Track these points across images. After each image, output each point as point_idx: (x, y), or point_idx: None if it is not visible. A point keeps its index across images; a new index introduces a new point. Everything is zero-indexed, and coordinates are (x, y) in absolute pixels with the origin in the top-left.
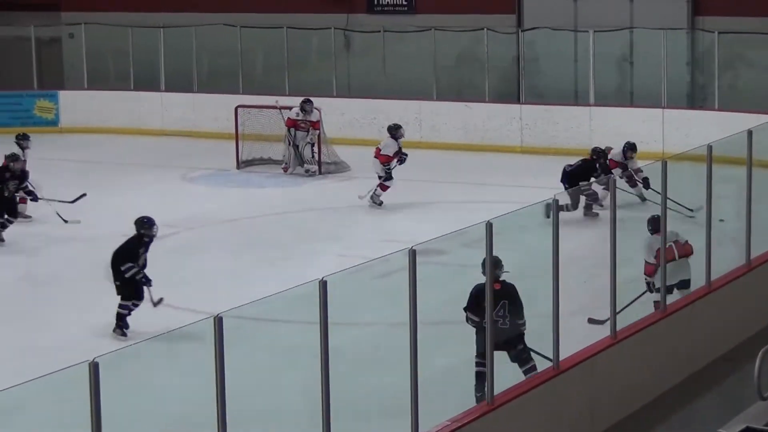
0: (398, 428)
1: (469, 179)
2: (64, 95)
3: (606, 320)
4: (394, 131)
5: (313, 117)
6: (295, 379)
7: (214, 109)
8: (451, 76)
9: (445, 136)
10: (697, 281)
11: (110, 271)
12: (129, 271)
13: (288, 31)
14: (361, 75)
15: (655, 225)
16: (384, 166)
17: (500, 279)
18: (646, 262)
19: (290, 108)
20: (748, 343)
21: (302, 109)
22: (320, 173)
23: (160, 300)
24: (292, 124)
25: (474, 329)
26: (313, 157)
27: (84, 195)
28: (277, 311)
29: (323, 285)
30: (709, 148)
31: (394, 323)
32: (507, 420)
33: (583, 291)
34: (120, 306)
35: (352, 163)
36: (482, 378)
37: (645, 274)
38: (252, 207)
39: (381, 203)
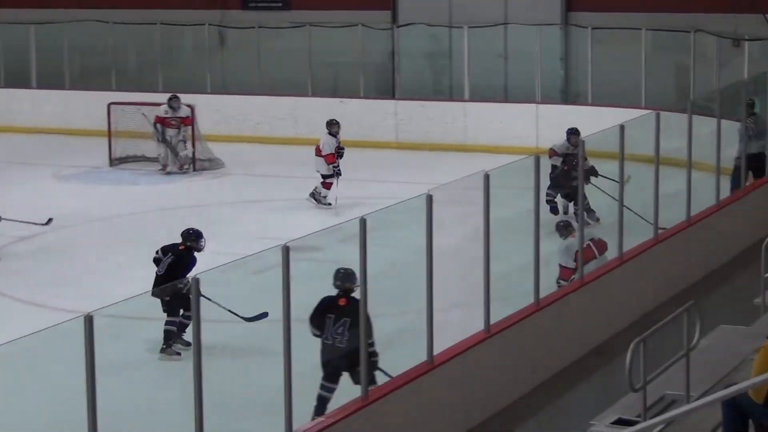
0: (273, 425)
1: (345, 175)
2: None
3: None
4: (329, 127)
5: (182, 113)
6: (169, 376)
7: (87, 106)
8: (326, 73)
9: (320, 132)
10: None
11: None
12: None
13: (161, 27)
14: (236, 71)
15: (565, 230)
16: (330, 165)
17: (351, 294)
18: (561, 266)
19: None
20: (620, 335)
21: (170, 106)
22: (194, 170)
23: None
24: (160, 121)
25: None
26: (187, 154)
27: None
28: (152, 309)
29: (196, 283)
30: (582, 142)
31: (269, 320)
32: (382, 414)
33: (458, 286)
34: (168, 323)
35: (226, 160)
36: (323, 402)
37: (560, 278)
38: (125, 204)
39: (329, 203)
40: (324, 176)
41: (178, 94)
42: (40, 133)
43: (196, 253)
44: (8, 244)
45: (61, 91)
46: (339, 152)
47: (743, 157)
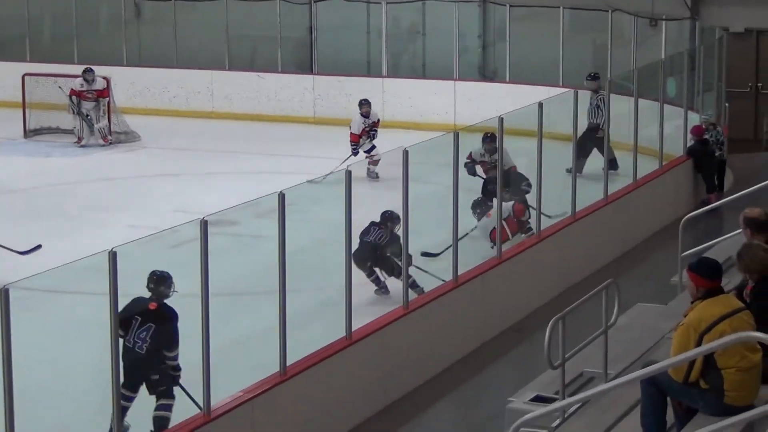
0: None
1: (262, 150)
2: None
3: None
4: (359, 107)
5: (98, 86)
6: (85, 352)
7: (1, 76)
8: (244, 47)
9: (237, 107)
10: (489, 253)
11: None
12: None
13: None
14: (153, 44)
15: (479, 208)
16: (352, 144)
17: (164, 300)
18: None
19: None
20: (538, 313)
21: (84, 78)
22: (110, 143)
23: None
24: (75, 94)
25: None
26: (102, 127)
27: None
28: (67, 282)
29: (113, 256)
30: (501, 120)
31: (186, 294)
32: (299, 390)
33: None
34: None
35: (142, 133)
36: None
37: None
38: (39, 177)
39: (376, 175)
40: (366, 152)
41: (93, 67)
42: None
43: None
44: None
45: None
46: (371, 132)
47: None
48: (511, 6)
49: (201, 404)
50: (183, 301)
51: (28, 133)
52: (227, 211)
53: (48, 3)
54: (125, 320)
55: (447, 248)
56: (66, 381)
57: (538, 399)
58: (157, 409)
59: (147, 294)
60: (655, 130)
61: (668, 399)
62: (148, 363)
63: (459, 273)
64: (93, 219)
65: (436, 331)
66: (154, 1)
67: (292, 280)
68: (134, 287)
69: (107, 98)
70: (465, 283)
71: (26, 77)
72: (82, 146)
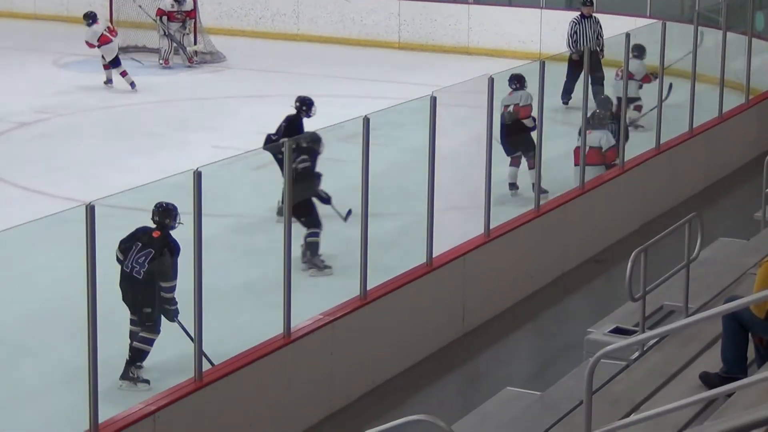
0: (271, 319)
1: (346, 74)
2: None
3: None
4: None
5: (187, 6)
6: None
7: None
8: None
9: (322, 29)
10: (571, 183)
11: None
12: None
13: None
14: None
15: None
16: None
17: (168, 231)
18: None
19: None
20: (620, 245)
21: None
22: (195, 64)
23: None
24: (164, 14)
25: None
26: (195, 49)
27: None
28: (151, 201)
29: (197, 175)
30: (587, 50)
31: (268, 216)
32: (379, 314)
33: (458, 190)
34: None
35: (228, 54)
36: (139, 358)
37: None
38: (126, 95)
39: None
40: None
41: None
42: (40, 19)
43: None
44: (9, 129)
45: None
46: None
47: None
48: None
49: (195, 340)
50: (266, 218)
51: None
52: (311, 135)
53: None
54: (126, 245)
55: None
56: None
57: (618, 331)
58: (137, 340)
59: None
60: (742, 64)
61: (749, 334)
62: (144, 291)
63: (541, 203)
64: (177, 139)
65: (516, 260)
66: None
67: (374, 204)
68: (217, 207)
69: (194, 19)
70: (547, 213)
71: None
72: (168, 67)
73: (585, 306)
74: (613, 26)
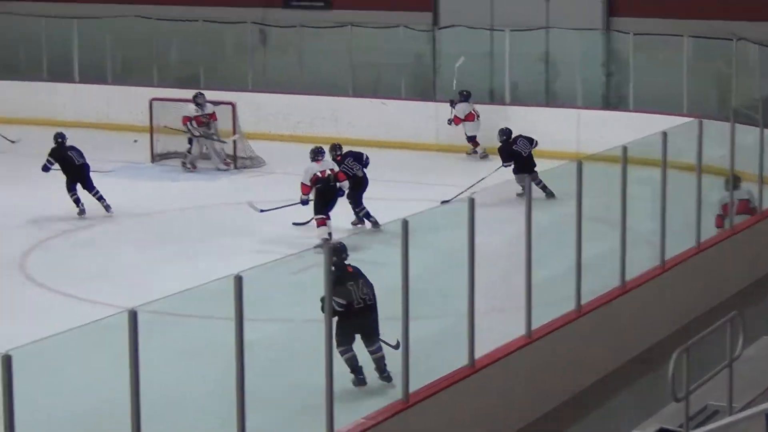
0: (313, 425)
1: (385, 176)
2: None
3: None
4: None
5: (209, 110)
6: (210, 375)
7: (129, 101)
8: (367, 73)
9: (360, 133)
10: (612, 282)
11: None
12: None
13: (203, 24)
14: (277, 70)
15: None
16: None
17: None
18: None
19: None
20: (663, 344)
21: (196, 103)
22: (235, 167)
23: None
24: (189, 120)
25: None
26: (224, 148)
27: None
28: (192, 306)
29: (238, 280)
30: (624, 149)
31: (309, 319)
32: (422, 417)
33: (498, 290)
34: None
35: (267, 158)
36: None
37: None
38: (166, 200)
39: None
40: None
41: (219, 92)
42: (81, 127)
43: None
44: (51, 237)
45: (102, 86)
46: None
47: None
48: (634, 34)
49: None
50: (306, 326)
51: (155, 158)
52: (351, 237)
53: (175, 29)
54: (342, 292)
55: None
56: (190, 404)
57: (662, 431)
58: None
59: None
60: None
61: None
62: (372, 314)
63: (582, 301)
64: (218, 243)
65: (558, 361)
66: (279, 27)
67: (413, 306)
68: (259, 311)
69: (216, 122)
70: (589, 313)
71: (153, 102)
72: (195, 171)
73: (629, 406)
74: (650, 125)
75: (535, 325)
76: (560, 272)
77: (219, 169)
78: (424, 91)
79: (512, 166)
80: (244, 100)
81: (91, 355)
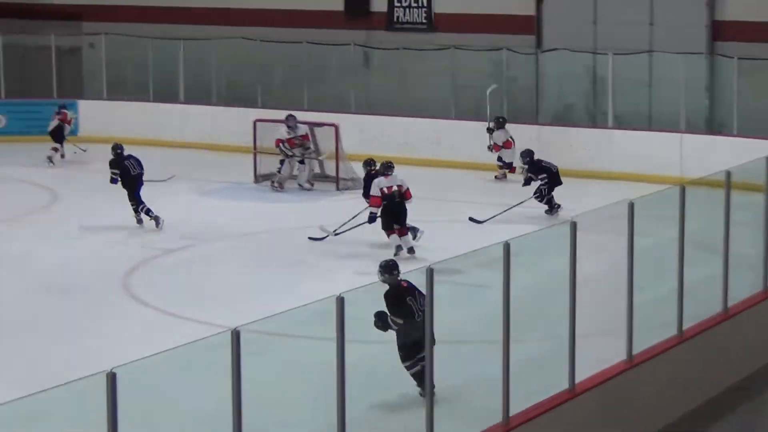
0: None
1: (487, 199)
2: (83, 105)
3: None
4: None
5: (301, 131)
6: (311, 395)
7: (233, 122)
8: (470, 95)
9: (463, 155)
10: (715, 307)
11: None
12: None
13: (307, 46)
14: (380, 92)
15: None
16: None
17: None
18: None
19: None
20: (764, 371)
21: (288, 126)
22: (338, 189)
23: None
24: (281, 142)
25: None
26: (312, 169)
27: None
28: (294, 326)
29: (340, 301)
30: (728, 173)
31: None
32: None
33: (599, 314)
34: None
35: None
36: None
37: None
38: (269, 221)
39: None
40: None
41: (322, 113)
42: (186, 147)
43: None
44: (154, 256)
45: (207, 107)
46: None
47: None
48: (738, 58)
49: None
50: None
51: (259, 178)
52: (452, 260)
53: (279, 51)
54: (403, 309)
55: (493, 216)
56: (291, 423)
57: None
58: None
59: None
60: None
61: None
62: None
63: (684, 327)
64: (319, 264)
65: (659, 386)
66: (383, 49)
67: (513, 329)
68: (360, 333)
69: (310, 142)
70: (691, 338)
71: (257, 123)
72: (282, 191)
73: None
74: (753, 149)
75: (636, 350)
76: (662, 297)
77: (301, 187)
78: (527, 114)
79: (546, 181)
80: (347, 121)
81: (194, 373)
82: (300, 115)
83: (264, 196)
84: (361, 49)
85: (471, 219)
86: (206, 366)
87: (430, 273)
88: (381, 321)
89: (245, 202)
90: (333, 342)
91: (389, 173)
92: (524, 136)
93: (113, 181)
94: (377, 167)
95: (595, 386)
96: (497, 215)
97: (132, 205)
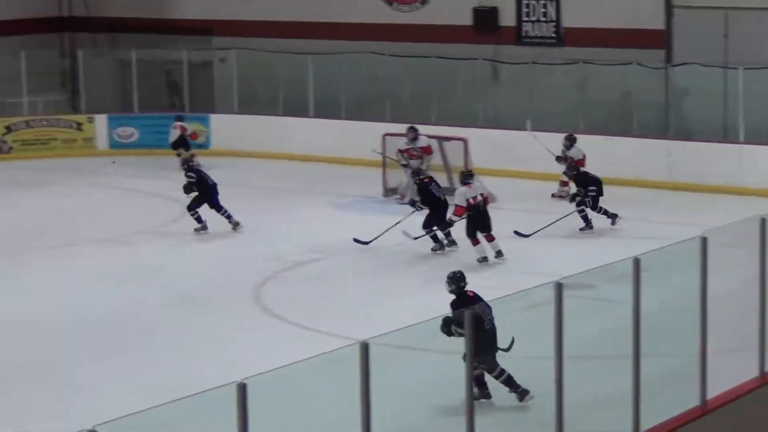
0: None
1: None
2: (215, 119)
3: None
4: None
5: (422, 143)
6: (439, 409)
7: (362, 136)
8: (597, 110)
9: (591, 170)
10: None
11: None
12: None
13: (436, 60)
14: (508, 106)
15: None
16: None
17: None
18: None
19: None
20: None
21: (407, 137)
22: None
23: None
24: (401, 152)
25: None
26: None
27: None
28: (422, 340)
29: (468, 315)
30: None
31: (538, 356)
32: None
33: (730, 331)
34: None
35: (499, 194)
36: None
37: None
38: (397, 234)
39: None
40: None
41: (449, 127)
42: (315, 161)
43: None
44: (284, 269)
45: (336, 121)
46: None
47: None
48: None
49: None
50: (536, 363)
51: (388, 192)
52: (582, 275)
53: (407, 65)
54: (477, 318)
55: (539, 230)
56: None
57: None
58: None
59: None
60: None
61: None
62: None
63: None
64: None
65: None
66: (511, 63)
67: (644, 344)
68: None
69: (431, 155)
70: None
71: (386, 137)
72: (404, 203)
73: None
74: None
75: None
76: None
77: (397, 201)
78: (657, 129)
79: (595, 193)
80: (475, 135)
81: (323, 385)
82: (428, 129)
83: (391, 209)
84: (490, 64)
85: (516, 233)
86: (336, 378)
87: (558, 288)
88: (446, 327)
89: (375, 215)
90: (459, 355)
91: (471, 182)
92: (653, 151)
93: (189, 187)
94: (424, 176)
95: (727, 403)
96: (542, 229)
97: (192, 214)
